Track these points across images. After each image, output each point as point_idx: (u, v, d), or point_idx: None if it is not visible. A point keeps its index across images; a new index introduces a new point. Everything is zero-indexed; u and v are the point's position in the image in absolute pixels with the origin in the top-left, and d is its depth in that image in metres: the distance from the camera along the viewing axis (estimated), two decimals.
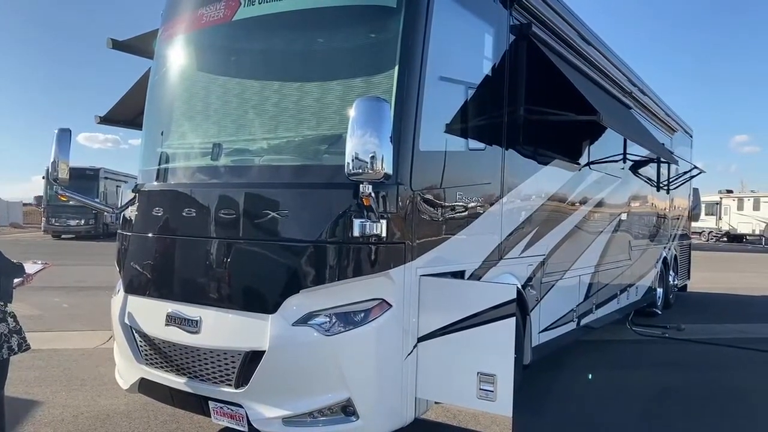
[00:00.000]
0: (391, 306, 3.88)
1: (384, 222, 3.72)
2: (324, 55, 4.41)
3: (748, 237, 39.99)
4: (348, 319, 3.82)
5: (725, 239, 40.81)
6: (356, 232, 3.67)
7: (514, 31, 5.31)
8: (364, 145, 3.35)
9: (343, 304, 3.83)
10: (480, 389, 3.89)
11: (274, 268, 3.97)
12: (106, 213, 5.14)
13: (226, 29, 4.56)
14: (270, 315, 3.85)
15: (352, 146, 3.37)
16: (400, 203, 3.88)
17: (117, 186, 33.56)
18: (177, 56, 4.93)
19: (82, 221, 30.32)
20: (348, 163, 3.39)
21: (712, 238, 40.91)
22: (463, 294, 4.09)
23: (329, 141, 4.11)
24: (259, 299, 3.94)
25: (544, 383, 6.39)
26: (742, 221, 39.38)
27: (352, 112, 3.40)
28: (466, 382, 3.93)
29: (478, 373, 3.90)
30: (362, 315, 3.82)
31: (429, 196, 4.17)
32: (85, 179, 30.98)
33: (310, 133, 4.26)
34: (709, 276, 16.90)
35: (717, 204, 40.62)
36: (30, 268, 4.73)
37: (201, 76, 4.80)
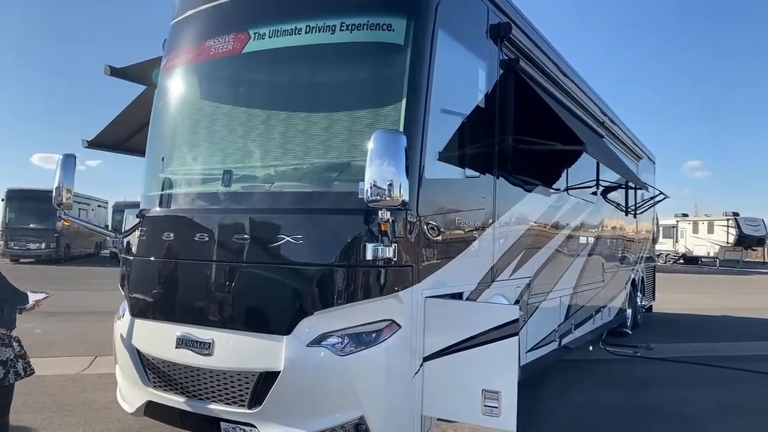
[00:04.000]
0: (400, 327, 4.05)
1: (394, 246, 3.90)
2: (334, 88, 4.62)
3: (702, 259, 41.45)
4: (360, 339, 3.98)
5: (681, 261, 42.20)
6: (369, 256, 3.84)
7: (503, 65, 5.62)
8: (382, 174, 3.56)
9: (355, 325, 3.99)
10: (485, 406, 4.08)
11: (289, 291, 4.11)
12: (108, 237, 5.18)
13: (235, 61, 4.74)
14: (285, 336, 3.98)
15: (370, 174, 3.58)
16: (408, 228, 4.09)
17: (80, 209, 32.83)
18: (185, 85, 5.07)
19: (43, 245, 29.39)
20: (367, 191, 3.59)
21: (669, 260, 42.24)
22: (469, 315, 4.29)
23: (340, 169, 4.31)
24: (274, 321, 4.07)
25: (530, 403, 6.61)
26: (698, 244, 40.84)
27: (370, 143, 3.61)
28: (472, 399, 4.11)
29: (482, 390, 4.08)
30: (373, 335, 3.99)
31: (433, 222, 4.39)
32: (47, 201, 30.09)
33: (322, 162, 4.45)
34: (670, 297, 17.50)
35: (673, 227, 42.08)
36: (32, 297, 4.77)
37: (212, 106, 4.94)
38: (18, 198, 29.62)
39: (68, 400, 6.49)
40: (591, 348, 8.09)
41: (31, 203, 29.47)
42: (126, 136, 8.05)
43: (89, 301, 14.41)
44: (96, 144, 7.89)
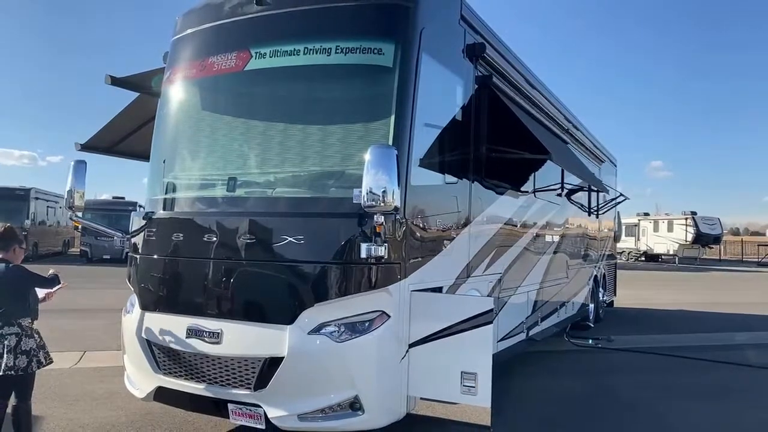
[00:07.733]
0: (389, 317, 4.59)
1: (386, 246, 4.42)
2: (330, 104, 5.14)
3: (663, 257, 43.01)
4: (355, 328, 4.50)
5: (643, 259, 43.71)
6: (363, 255, 4.36)
7: (478, 81, 6.20)
8: (377, 182, 4.08)
9: (350, 315, 4.51)
10: (463, 385, 4.65)
11: (292, 286, 4.62)
12: (115, 237, 5.58)
13: (238, 77, 5.20)
14: (288, 326, 4.48)
15: (367, 183, 4.10)
16: (397, 229, 4.63)
17: (48, 207, 32.44)
18: (191, 98, 5.53)
19: None
20: (363, 197, 4.11)
21: (631, 258, 43.71)
22: (449, 306, 4.86)
23: (336, 177, 4.83)
24: (279, 312, 4.58)
25: (500, 389, 7.21)
26: (658, 242, 42.36)
27: (366, 156, 4.13)
28: (452, 380, 4.67)
29: (461, 372, 4.65)
30: (366, 324, 4.52)
31: (418, 224, 4.94)
32: (14, 200, 29.85)
33: (319, 170, 4.97)
34: (631, 293, 18.45)
35: (635, 226, 43.54)
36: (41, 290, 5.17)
37: (218, 118, 5.41)
38: None
39: (69, 391, 6.86)
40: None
41: None
42: (118, 139, 8.41)
43: (67, 298, 14.56)
44: (88, 147, 8.21)
